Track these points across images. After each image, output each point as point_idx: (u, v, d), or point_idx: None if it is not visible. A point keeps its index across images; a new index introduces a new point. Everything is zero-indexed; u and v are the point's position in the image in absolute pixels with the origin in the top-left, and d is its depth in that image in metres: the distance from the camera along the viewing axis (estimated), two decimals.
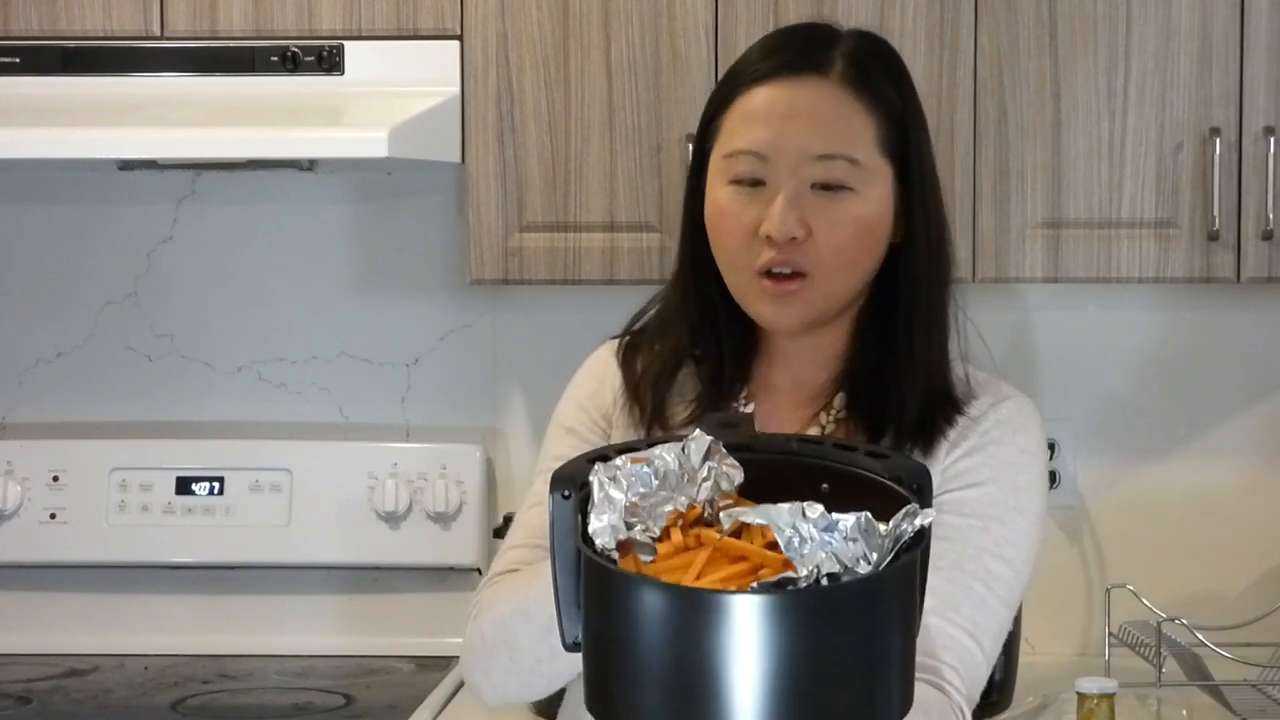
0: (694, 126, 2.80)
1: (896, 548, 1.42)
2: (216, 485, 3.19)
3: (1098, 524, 3.22)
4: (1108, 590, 3.10)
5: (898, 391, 1.86)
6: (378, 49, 2.90)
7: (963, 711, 1.77)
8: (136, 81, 2.92)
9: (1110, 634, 3.07)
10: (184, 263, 3.28)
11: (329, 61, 2.89)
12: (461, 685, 2.94)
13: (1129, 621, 3.07)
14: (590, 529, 1.47)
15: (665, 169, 2.86)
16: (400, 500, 3.15)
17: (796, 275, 1.82)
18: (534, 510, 1.90)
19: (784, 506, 1.43)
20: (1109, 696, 2.60)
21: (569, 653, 1.52)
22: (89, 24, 2.92)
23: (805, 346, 1.91)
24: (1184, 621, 2.98)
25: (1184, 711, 2.89)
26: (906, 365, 1.87)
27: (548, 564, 1.53)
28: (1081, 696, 2.61)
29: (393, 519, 3.17)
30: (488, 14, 2.88)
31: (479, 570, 3.17)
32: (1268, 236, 2.81)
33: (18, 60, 2.92)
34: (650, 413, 1.91)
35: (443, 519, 3.16)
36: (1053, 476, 3.16)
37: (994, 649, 1.82)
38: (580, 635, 1.49)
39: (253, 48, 2.90)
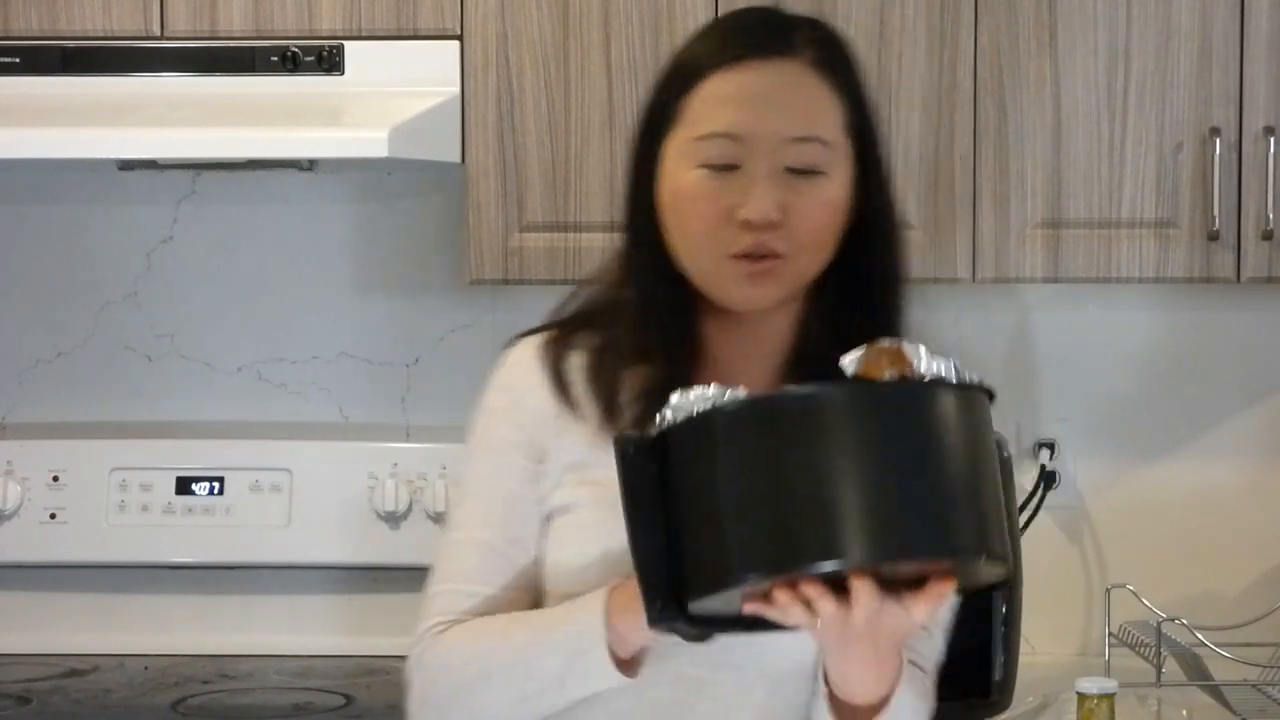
0: None
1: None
2: (216, 485, 3.18)
3: (1098, 524, 3.22)
4: (1108, 590, 3.09)
5: None
6: (378, 49, 2.90)
7: None
8: (136, 81, 2.92)
9: (1110, 634, 3.07)
10: (184, 263, 3.28)
11: (329, 61, 2.89)
12: None
13: (1129, 621, 3.07)
14: (693, 407, 1.59)
15: None
16: (400, 500, 3.15)
17: (771, 255, 1.79)
18: (459, 544, 1.89)
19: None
20: (1109, 696, 2.60)
21: (652, 628, 1.63)
22: (89, 24, 2.92)
23: (751, 333, 1.85)
24: (1184, 621, 2.99)
25: (1184, 711, 2.88)
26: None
27: (509, 624, 1.69)
28: (1081, 696, 2.61)
29: (393, 519, 3.16)
30: (488, 14, 2.88)
31: None
32: (1268, 236, 2.81)
33: (18, 60, 2.92)
34: (595, 415, 1.85)
35: (443, 519, 3.16)
36: (1053, 477, 3.16)
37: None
38: (663, 607, 1.59)
39: (253, 48, 2.90)
